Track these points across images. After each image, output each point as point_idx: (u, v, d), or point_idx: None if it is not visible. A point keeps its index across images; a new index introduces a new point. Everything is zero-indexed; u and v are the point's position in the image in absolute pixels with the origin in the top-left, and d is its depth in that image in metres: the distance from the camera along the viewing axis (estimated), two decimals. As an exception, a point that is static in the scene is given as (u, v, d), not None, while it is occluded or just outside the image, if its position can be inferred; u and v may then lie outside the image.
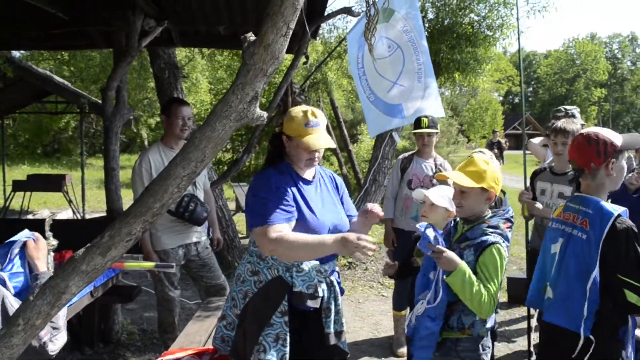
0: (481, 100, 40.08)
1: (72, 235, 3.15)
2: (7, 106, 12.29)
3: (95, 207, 13.29)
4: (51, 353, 2.29)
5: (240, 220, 9.45)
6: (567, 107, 5.07)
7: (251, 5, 4.96)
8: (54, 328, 2.31)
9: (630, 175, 4.18)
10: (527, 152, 4.82)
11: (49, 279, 1.68)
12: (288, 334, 2.57)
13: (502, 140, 21.79)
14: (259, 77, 1.73)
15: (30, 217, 11.46)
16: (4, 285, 2.36)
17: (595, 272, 2.53)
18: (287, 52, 6.08)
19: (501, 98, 60.89)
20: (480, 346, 2.76)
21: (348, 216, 2.89)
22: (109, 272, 4.03)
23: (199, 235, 4.49)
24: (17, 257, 2.49)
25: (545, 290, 2.81)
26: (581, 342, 2.56)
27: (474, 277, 2.57)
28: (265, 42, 1.70)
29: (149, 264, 3.92)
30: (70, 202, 11.28)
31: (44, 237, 2.69)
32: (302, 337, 2.66)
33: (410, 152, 5.23)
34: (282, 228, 2.52)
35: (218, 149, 1.78)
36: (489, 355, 2.82)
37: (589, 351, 2.55)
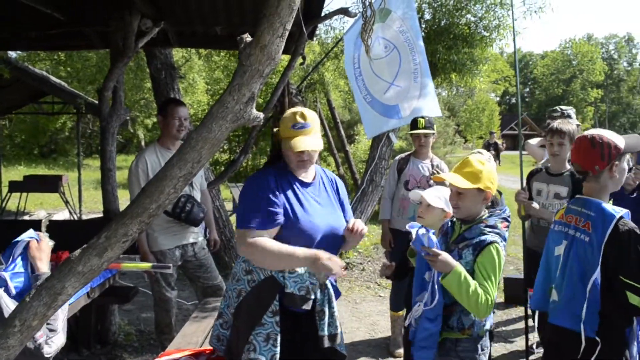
0: (478, 100, 40.19)
1: (68, 236, 3.14)
2: (3, 107, 12.27)
3: (92, 207, 13.27)
4: (47, 355, 2.27)
5: (237, 221, 9.44)
6: (563, 107, 5.09)
7: (249, 5, 4.96)
8: (50, 330, 2.30)
9: (627, 175, 4.19)
10: (524, 152, 4.83)
11: (45, 279, 1.68)
12: (279, 334, 2.57)
13: (499, 142, 21.84)
14: (255, 78, 1.73)
15: (26, 218, 11.44)
16: (6, 285, 2.35)
17: (596, 274, 2.54)
18: (284, 52, 6.08)
19: (498, 99, 61.02)
20: (479, 346, 2.77)
21: (346, 222, 2.87)
22: (106, 273, 4.03)
23: (195, 235, 4.49)
24: (20, 257, 2.49)
25: (550, 292, 2.82)
26: (583, 343, 2.57)
27: (469, 278, 2.57)
28: (262, 43, 1.70)
29: (146, 265, 3.92)
30: (66, 202, 11.26)
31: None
32: (294, 337, 2.66)
33: (407, 153, 5.24)
34: (260, 233, 2.55)
35: (214, 150, 1.78)
36: (487, 355, 2.83)
37: (594, 353, 2.56)
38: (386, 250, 5.32)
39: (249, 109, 1.77)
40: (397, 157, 5.22)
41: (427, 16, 9.34)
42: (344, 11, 5.61)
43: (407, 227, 2.88)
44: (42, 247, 2.50)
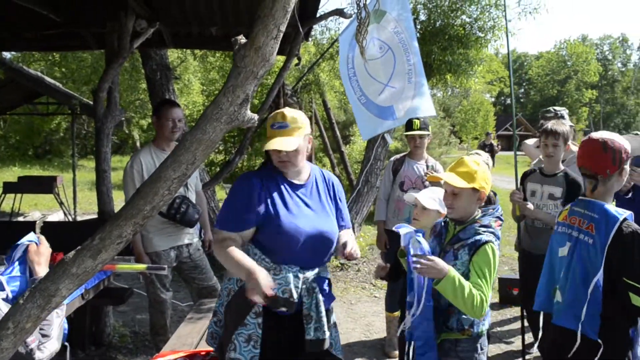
0: (473, 101, 40.24)
1: (63, 238, 3.14)
2: (-2, 107, 12.24)
3: (87, 208, 13.24)
4: None
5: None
6: (557, 108, 5.11)
7: (244, 6, 4.96)
8: (43, 335, 2.27)
9: None
10: (519, 153, 4.84)
11: (39, 281, 1.67)
12: (260, 336, 2.56)
13: (495, 143, 21.87)
14: (250, 79, 1.73)
15: (21, 219, 11.40)
16: (2, 289, 2.33)
17: (599, 276, 2.56)
18: (279, 53, 6.07)
19: (493, 99, 61.14)
20: (478, 346, 2.78)
21: (342, 226, 2.85)
22: (101, 274, 4.02)
23: (190, 237, 4.48)
24: (18, 260, 2.47)
25: (554, 293, 2.84)
26: (578, 341, 2.59)
27: (463, 281, 2.56)
28: (256, 45, 1.70)
29: (141, 266, 3.91)
30: (61, 204, 11.23)
31: (35, 239, 2.66)
32: (279, 339, 2.64)
33: (402, 154, 5.25)
34: (229, 235, 2.60)
35: (209, 152, 1.78)
36: (486, 355, 2.84)
37: (597, 354, 2.58)
38: (381, 252, 5.32)
39: (244, 111, 1.77)
40: (392, 158, 5.22)
41: (422, 17, 9.37)
42: (339, 12, 5.62)
43: (393, 229, 2.88)
44: (41, 250, 2.48)
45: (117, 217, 1.70)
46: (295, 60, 5.96)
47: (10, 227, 6.43)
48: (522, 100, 77.37)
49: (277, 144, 2.53)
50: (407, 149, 5.30)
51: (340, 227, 2.84)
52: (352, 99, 5.38)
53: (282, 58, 6.51)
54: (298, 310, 2.61)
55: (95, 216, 5.59)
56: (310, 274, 2.64)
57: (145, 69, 7.33)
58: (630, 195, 4.30)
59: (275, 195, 2.64)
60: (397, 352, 4.72)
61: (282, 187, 2.67)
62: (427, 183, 4.87)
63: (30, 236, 2.54)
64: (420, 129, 4.95)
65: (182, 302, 6.18)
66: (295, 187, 2.71)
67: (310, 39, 8.99)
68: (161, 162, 1.78)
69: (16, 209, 11.61)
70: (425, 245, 2.73)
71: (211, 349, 2.96)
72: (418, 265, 2.54)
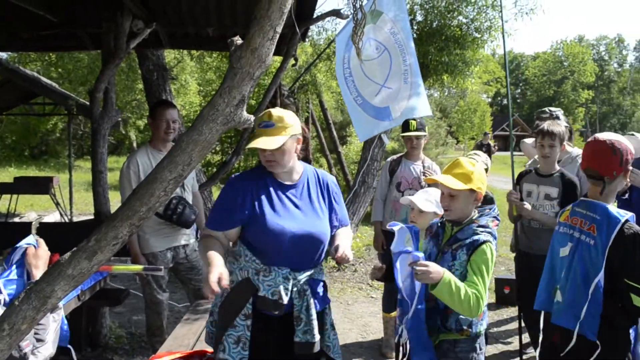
0: (470, 102, 40.33)
1: (59, 239, 3.12)
2: (-6, 108, 12.20)
3: (83, 209, 13.21)
4: None
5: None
6: (552, 108, 5.12)
7: (241, 7, 4.96)
8: (38, 340, 2.26)
9: None
10: (515, 153, 4.84)
11: (35, 283, 1.67)
12: (249, 338, 2.56)
13: (492, 143, 21.88)
14: (246, 80, 1.73)
15: (17, 220, 11.38)
16: None
17: (600, 277, 2.57)
18: (276, 54, 6.08)
19: (490, 100, 61.24)
20: (477, 346, 2.78)
21: (335, 226, 2.82)
22: (97, 275, 4.01)
23: (187, 237, 4.48)
24: (16, 264, 2.46)
25: (555, 293, 2.84)
26: (574, 340, 2.60)
27: (459, 283, 2.54)
28: (252, 46, 1.70)
29: (137, 267, 3.91)
30: (57, 204, 11.20)
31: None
32: (268, 341, 2.64)
33: (398, 155, 5.25)
34: (212, 233, 2.69)
35: (205, 152, 1.78)
36: (484, 355, 2.84)
37: (593, 355, 2.59)
38: (379, 253, 5.32)
39: (240, 112, 1.77)
40: (389, 159, 5.22)
41: (419, 18, 9.38)
42: (336, 13, 5.62)
43: (388, 226, 2.87)
44: (39, 254, 2.47)
45: (112, 218, 1.70)
46: (292, 61, 5.96)
47: (5, 228, 6.40)
48: (518, 100, 77.54)
49: (260, 142, 2.52)
50: (403, 150, 5.30)
51: (334, 228, 2.82)
52: (348, 100, 5.37)
53: (278, 58, 6.51)
54: (288, 312, 2.60)
55: (92, 217, 5.58)
56: (302, 276, 2.63)
57: (141, 70, 7.32)
58: (626, 195, 4.31)
59: (263, 195, 2.64)
60: (394, 353, 4.72)
61: (270, 187, 2.67)
62: (423, 183, 4.88)
63: (29, 239, 2.53)
64: (417, 130, 4.96)
65: (179, 303, 6.17)
66: (284, 188, 2.70)
67: (307, 40, 8.99)
68: (157, 163, 1.78)
69: (12, 209, 11.58)
70: (420, 250, 2.73)
71: (208, 349, 2.96)
72: (417, 269, 2.51)
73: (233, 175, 2.76)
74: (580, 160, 4.46)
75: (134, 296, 5.91)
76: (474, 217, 2.79)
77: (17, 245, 2.48)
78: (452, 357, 2.76)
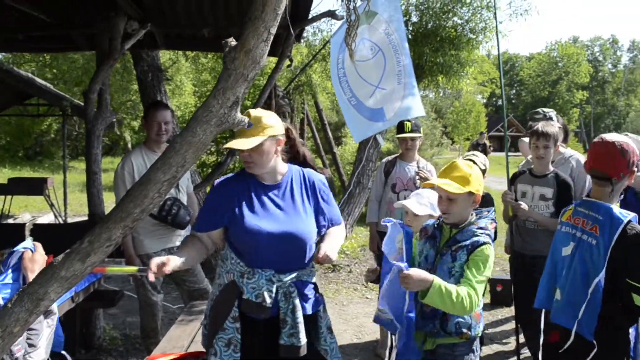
0: (465, 102, 40.40)
1: (53, 240, 3.11)
2: (-12, 108, 12.14)
3: (78, 210, 13.17)
4: None
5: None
6: (545, 109, 5.13)
7: (235, 8, 4.95)
8: (30, 345, 2.24)
9: None
10: (510, 153, 4.85)
11: (27, 285, 1.66)
12: (240, 340, 2.55)
13: (487, 143, 21.90)
14: (240, 82, 1.73)
15: (11, 221, 11.32)
16: None
17: (600, 277, 2.58)
18: (271, 54, 6.07)
19: (485, 100, 61.37)
20: (474, 348, 2.78)
21: (323, 226, 2.76)
22: (91, 276, 4.00)
23: (182, 238, 4.46)
24: (12, 268, 2.44)
25: (555, 292, 2.85)
26: (571, 338, 2.61)
27: (450, 286, 2.50)
28: (247, 47, 1.70)
29: (132, 269, 3.89)
30: (52, 205, 11.17)
31: (23, 241, 2.64)
32: (253, 343, 2.62)
33: (393, 156, 5.25)
34: (195, 233, 2.72)
35: (199, 154, 1.78)
36: (479, 357, 2.84)
37: (589, 354, 2.60)
38: (375, 254, 5.32)
39: (234, 113, 1.77)
40: (384, 160, 5.23)
41: (414, 19, 9.40)
42: (331, 14, 5.62)
43: (382, 222, 2.86)
44: (35, 258, 2.45)
45: (106, 220, 1.69)
46: (287, 62, 5.96)
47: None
48: (513, 101, 77.70)
49: (236, 142, 2.51)
50: (399, 150, 5.30)
51: (323, 228, 2.77)
52: (342, 101, 5.36)
53: (274, 59, 6.51)
54: (275, 314, 2.58)
55: (86, 218, 5.57)
56: (287, 278, 2.59)
57: (136, 70, 7.30)
58: (621, 196, 4.32)
59: (244, 197, 2.63)
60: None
61: (252, 188, 2.66)
62: (418, 184, 4.88)
63: (26, 243, 2.52)
64: (412, 131, 4.96)
65: (173, 304, 6.16)
66: (266, 189, 2.68)
67: (302, 41, 9.00)
68: (151, 165, 1.77)
69: (6, 211, 11.54)
70: (414, 250, 2.72)
71: (203, 351, 2.95)
72: (404, 276, 2.48)
73: (217, 180, 2.76)
74: (573, 162, 4.49)
75: (128, 298, 5.90)
76: (473, 219, 2.78)
77: (14, 249, 2.47)
78: None
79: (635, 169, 2.75)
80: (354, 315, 6.19)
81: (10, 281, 2.40)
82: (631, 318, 2.68)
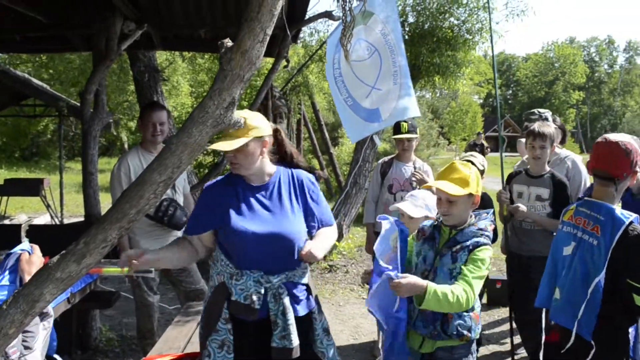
0: (461, 103, 40.45)
1: (49, 241, 3.11)
2: (-16, 109, 12.12)
3: (74, 211, 13.15)
4: None
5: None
6: (540, 110, 5.14)
7: (233, 8, 4.95)
8: (25, 347, 2.24)
9: None
10: (506, 154, 4.86)
11: (23, 286, 1.65)
12: (232, 341, 2.54)
13: (485, 144, 21.90)
14: (236, 82, 1.72)
15: (7, 222, 11.30)
16: None
17: (600, 277, 2.58)
18: (268, 55, 6.07)
19: (481, 101, 61.45)
20: (472, 349, 2.78)
21: (313, 226, 2.73)
22: (87, 277, 3.99)
23: (178, 239, 4.46)
24: (9, 270, 2.43)
25: (554, 291, 2.86)
26: (572, 340, 2.62)
27: (445, 289, 2.50)
28: (243, 48, 1.70)
29: (127, 269, 3.88)
30: (48, 206, 11.15)
31: (20, 243, 2.63)
32: (243, 345, 2.60)
33: (389, 157, 5.25)
34: (187, 237, 2.72)
35: (195, 155, 1.77)
36: (476, 358, 2.85)
37: (588, 355, 2.61)
38: (372, 255, 5.32)
39: (230, 114, 1.77)
40: (380, 161, 5.23)
41: (411, 19, 9.40)
42: (328, 14, 5.63)
43: (377, 219, 2.85)
44: (32, 260, 2.44)
45: (102, 221, 1.69)
46: (283, 62, 5.96)
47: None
48: (510, 101, 77.85)
49: (219, 144, 2.51)
50: (395, 151, 5.31)
51: (312, 228, 2.73)
52: (339, 101, 5.35)
53: (270, 60, 6.51)
54: (265, 316, 2.56)
55: (83, 219, 5.56)
56: (276, 279, 2.58)
57: (133, 71, 7.29)
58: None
59: (231, 199, 2.63)
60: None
61: (240, 190, 2.65)
62: (414, 184, 4.89)
63: (24, 245, 2.51)
64: (408, 132, 4.97)
65: (170, 305, 6.15)
66: (253, 190, 2.67)
67: (298, 41, 9.00)
68: (147, 166, 1.77)
69: (2, 212, 11.52)
70: (410, 249, 2.71)
71: (199, 352, 2.94)
72: (397, 282, 2.46)
73: (207, 183, 2.76)
74: (569, 162, 4.49)
75: (125, 298, 5.89)
76: (472, 221, 2.78)
77: (12, 250, 2.46)
78: None
79: (638, 169, 2.76)
80: (350, 316, 6.19)
81: (7, 283, 2.39)
82: (631, 318, 2.70)
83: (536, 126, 4.17)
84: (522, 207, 4.08)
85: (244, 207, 2.62)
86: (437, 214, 2.93)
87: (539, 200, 4.12)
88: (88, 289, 4.16)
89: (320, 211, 2.78)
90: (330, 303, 6.58)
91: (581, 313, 2.63)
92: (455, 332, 2.68)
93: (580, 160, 4.57)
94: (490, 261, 2.69)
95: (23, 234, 2.89)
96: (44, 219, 11.58)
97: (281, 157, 2.80)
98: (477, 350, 2.89)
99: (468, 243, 2.67)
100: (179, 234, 4.43)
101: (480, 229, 2.71)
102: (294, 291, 2.63)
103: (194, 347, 3.10)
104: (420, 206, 3.31)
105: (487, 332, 5.67)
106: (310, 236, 2.71)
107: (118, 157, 5.54)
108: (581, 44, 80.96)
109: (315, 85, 14.63)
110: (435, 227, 2.88)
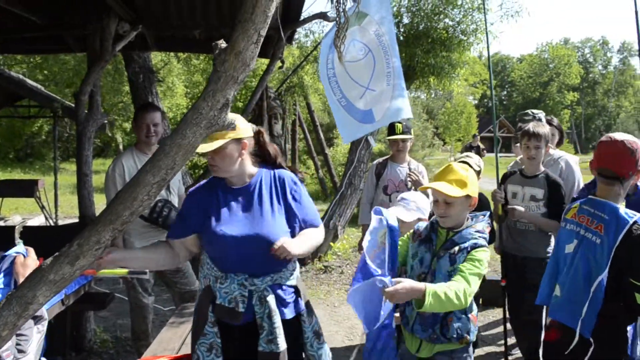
0: (456, 103, 40.55)
1: (44, 242, 3.10)
2: (-22, 110, 12.08)
3: (69, 212, 13.11)
4: None
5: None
6: (534, 111, 5.15)
7: (227, 10, 4.95)
8: (19, 351, 2.23)
9: None
10: (501, 154, 4.87)
11: (16, 289, 1.65)
12: (220, 344, 2.53)
13: (481, 146, 21.93)
14: (230, 84, 1.72)
15: (1, 223, 11.26)
16: None
17: (603, 276, 2.59)
18: (263, 56, 6.05)
19: (476, 101, 61.60)
20: (470, 350, 2.79)
21: (295, 227, 2.66)
22: (81, 279, 3.98)
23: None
24: (4, 272, 2.43)
25: (555, 288, 2.87)
26: (576, 339, 2.62)
27: (443, 287, 2.46)
28: (236, 50, 1.69)
29: (122, 271, 3.86)
30: (42, 207, 11.10)
31: (14, 244, 2.63)
32: (229, 348, 2.59)
33: (384, 157, 5.26)
34: (169, 241, 2.69)
35: (189, 156, 1.77)
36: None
37: (587, 353, 2.62)
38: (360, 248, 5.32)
39: (224, 115, 1.77)
40: (375, 162, 5.23)
41: (406, 20, 9.42)
42: (323, 16, 5.63)
43: (372, 212, 2.83)
44: (27, 263, 2.44)
45: (95, 223, 1.69)
46: (278, 63, 5.96)
47: (-10, 231, 6.34)
48: (504, 102, 78.01)
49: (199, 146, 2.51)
50: (390, 152, 5.31)
51: (293, 228, 2.66)
52: (332, 101, 5.34)
53: (265, 61, 6.51)
54: (251, 320, 2.54)
55: (77, 220, 5.54)
56: (261, 282, 2.55)
57: (127, 72, 7.28)
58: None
59: (212, 203, 2.62)
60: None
61: (220, 194, 2.64)
62: (409, 185, 4.89)
63: (19, 248, 2.50)
64: (402, 133, 4.98)
65: (164, 306, 6.14)
66: (234, 193, 2.65)
67: (293, 42, 9.00)
68: (140, 167, 1.77)
69: (-3, 213, 11.47)
70: (400, 248, 2.71)
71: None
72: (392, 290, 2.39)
73: (191, 188, 2.76)
74: (562, 163, 4.50)
75: (119, 300, 5.87)
76: (470, 223, 2.77)
77: (6, 253, 2.46)
78: None
79: None
80: (345, 317, 6.18)
81: (2, 286, 2.39)
82: (632, 317, 2.71)
83: (531, 126, 4.17)
84: (519, 208, 4.08)
85: (223, 210, 2.60)
86: (433, 215, 2.91)
87: (533, 200, 4.13)
88: (82, 290, 4.16)
89: (304, 211, 2.70)
90: (325, 304, 6.58)
91: (584, 312, 2.64)
92: (455, 335, 2.67)
93: (574, 161, 4.57)
94: (487, 263, 2.69)
95: (17, 235, 2.88)
96: (38, 220, 11.53)
97: (264, 159, 2.76)
98: (474, 351, 2.89)
99: (466, 245, 2.66)
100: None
101: (478, 231, 2.71)
102: (281, 293, 2.60)
103: (189, 348, 3.08)
104: (412, 209, 3.31)
105: (481, 332, 5.68)
106: (293, 237, 2.63)
107: (113, 158, 5.53)
108: (575, 44, 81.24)
109: (310, 86, 14.63)
110: (431, 229, 2.85)
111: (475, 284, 2.54)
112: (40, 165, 27.88)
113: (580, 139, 66.42)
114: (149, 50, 6.52)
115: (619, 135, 2.81)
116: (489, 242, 2.79)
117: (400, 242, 2.93)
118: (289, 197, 2.68)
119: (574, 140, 58.07)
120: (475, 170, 3.64)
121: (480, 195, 3.34)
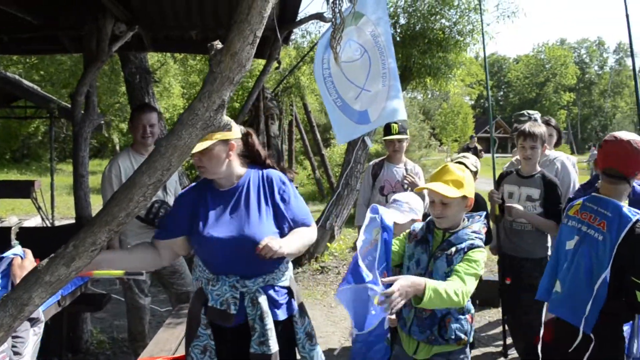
0: (453, 104, 40.62)
1: (40, 243, 3.09)
2: (-26, 111, 12.06)
3: (65, 213, 13.09)
4: None
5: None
6: (530, 111, 5.16)
7: (223, 10, 4.95)
8: (15, 353, 2.22)
9: None
10: (497, 155, 4.88)
11: (12, 290, 1.64)
12: (214, 346, 2.53)
13: (479, 147, 21.93)
14: (226, 85, 1.72)
15: (-3, 224, 11.24)
16: None
17: (606, 273, 2.60)
18: (259, 56, 6.06)
19: (473, 102, 61.68)
20: (467, 351, 2.79)
21: (284, 227, 2.63)
22: (78, 280, 3.97)
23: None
24: (1, 274, 2.42)
25: (555, 284, 2.88)
26: (580, 336, 2.63)
27: (441, 283, 2.45)
28: (232, 50, 1.69)
29: (119, 272, 3.86)
30: (39, 208, 11.07)
31: (10, 245, 2.62)
32: (221, 350, 2.58)
33: (380, 158, 5.26)
34: (154, 242, 2.66)
35: (184, 157, 1.77)
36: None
37: (588, 349, 2.63)
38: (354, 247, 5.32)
39: (219, 116, 1.76)
40: (371, 163, 5.24)
41: (402, 21, 9.42)
42: (319, 16, 5.64)
43: (369, 210, 2.82)
44: (24, 265, 2.42)
45: (91, 224, 1.68)
46: (275, 64, 5.96)
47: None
48: (501, 103, 78.17)
49: None
50: (386, 152, 5.31)
51: (282, 228, 2.63)
52: (328, 101, 5.33)
53: (262, 61, 6.51)
54: (243, 322, 2.53)
55: (74, 221, 5.53)
56: (253, 283, 2.53)
57: (124, 72, 7.27)
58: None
59: (200, 205, 2.61)
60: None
61: (209, 196, 2.63)
62: (406, 186, 4.90)
63: (16, 249, 2.49)
64: (399, 133, 4.98)
65: (161, 307, 6.13)
66: (221, 194, 2.64)
67: (290, 43, 9.00)
68: (136, 168, 1.76)
69: (-8, 214, 11.45)
70: (394, 247, 2.70)
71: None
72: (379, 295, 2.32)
73: (181, 190, 2.77)
74: (558, 163, 4.51)
75: (116, 301, 5.86)
76: (466, 223, 2.77)
77: (3, 255, 2.45)
78: None
79: None
80: (342, 317, 6.18)
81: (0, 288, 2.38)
82: (631, 315, 2.72)
83: (527, 126, 4.18)
84: (518, 206, 4.08)
85: (211, 213, 2.59)
86: (428, 215, 2.91)
87: (529, 200, 4.14)
88: (79, 291, 4.15)
89: (293, 211, 2.67)
90: (322, 305, 6.58)
91: (588, 310, 2.64)
92: (453, 337, 2.67)
93: (571, 161, 4.59)
94: (483, 263, 2.69)
95: (13, 236, 2.87)
96: (34, 221, 11.51)
97: (253, 159, 2.74)
98: (470, 352, 2.89)
99: (463, 246, 2.65)
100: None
101: (474, 232, 2.70)
102: (274, 295, 2.59)
103: (185, 349, 3.09)
104: (405, 211, 3.30)
105: (478, 332, 5.68)
106: (282, 237, 2.60)
107: (109, 159, 5.52)
108: (572, 45, 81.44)
109: (307, 87, 14.65)
110: (427, 230, 2.84)
111: (472, 284, 2.53)
112: (36, 166, 27.84)
113: (577, 139, 66.52)
114: (146, 50, 6.52)
115: (624, 135, 2.80)
116: (487, 243, 2.79)
117: (397, 242, 2.92)
118: (277, 197, 2.65)
119: (570, 141, 58.15)
120: (471, 171, 3.64)
121: (477, 195, 3.33)
